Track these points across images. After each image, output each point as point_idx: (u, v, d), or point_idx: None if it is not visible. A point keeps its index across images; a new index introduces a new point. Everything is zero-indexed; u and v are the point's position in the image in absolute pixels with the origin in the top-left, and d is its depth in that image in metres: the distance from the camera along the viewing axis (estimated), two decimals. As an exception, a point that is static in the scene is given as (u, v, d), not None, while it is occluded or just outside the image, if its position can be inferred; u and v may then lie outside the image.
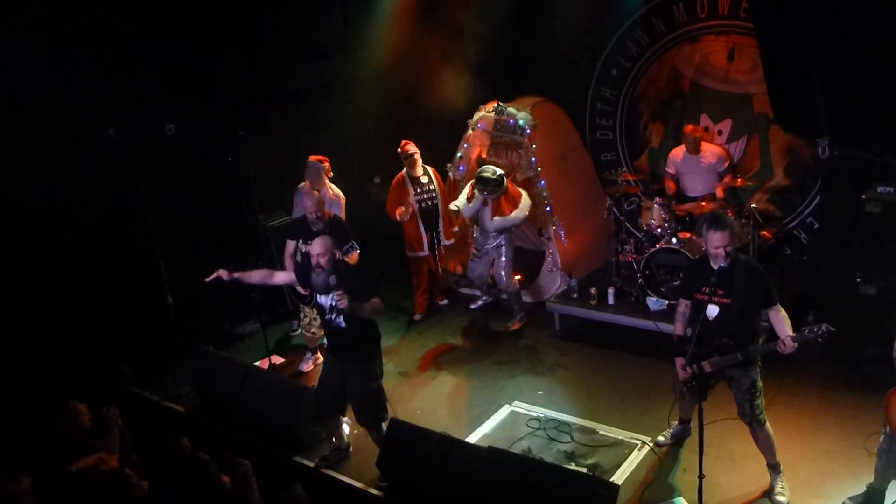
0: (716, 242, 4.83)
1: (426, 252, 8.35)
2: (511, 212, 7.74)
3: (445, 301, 9.06)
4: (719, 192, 7.83)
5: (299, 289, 6.37)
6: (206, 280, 5.73)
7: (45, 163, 6.88)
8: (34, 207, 6.91)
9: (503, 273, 7.94)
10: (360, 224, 9.37)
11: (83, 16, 6.99)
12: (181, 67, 7.74)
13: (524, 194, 7.90)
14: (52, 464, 4.92)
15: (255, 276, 5.86)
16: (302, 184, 7.60)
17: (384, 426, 5.76)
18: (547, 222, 8.49)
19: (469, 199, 7.84)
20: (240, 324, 8.60)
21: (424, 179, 8.22)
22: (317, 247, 5.34)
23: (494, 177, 7.58)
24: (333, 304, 5.32)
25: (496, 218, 7.75)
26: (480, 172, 7.70)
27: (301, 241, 6.78)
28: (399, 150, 8.11)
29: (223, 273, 5.67)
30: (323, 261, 5.31)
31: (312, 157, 7.50)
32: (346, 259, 6.07)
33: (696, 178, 8.11)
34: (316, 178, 7.38)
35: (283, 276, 5.83)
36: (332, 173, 7.62)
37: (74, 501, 4.65)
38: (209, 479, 4.55)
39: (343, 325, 5.43)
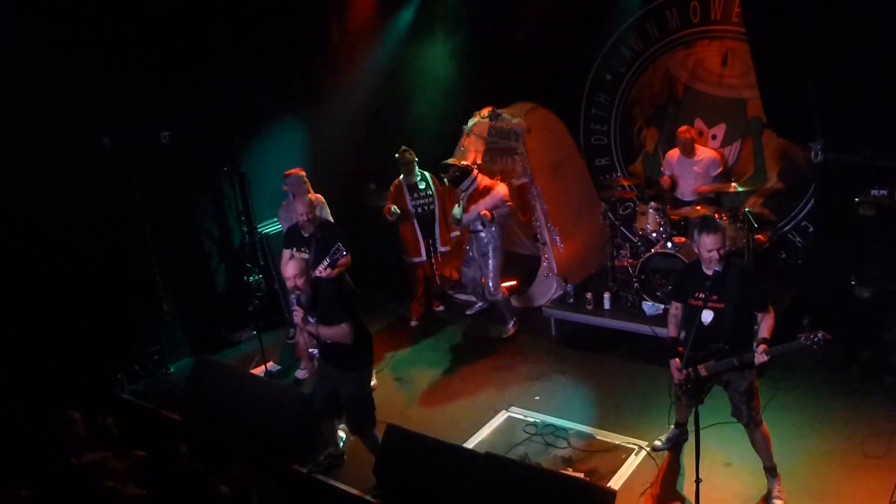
0: (709, 245, 4.84)
1: (423, 257, 8.35)
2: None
3: (442, 307, 9.06)
4: (704, 188, 7.82)
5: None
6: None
7: (40, 170, 6.87)
8: (30, 215, 6.90)
9: (491, 284, 7.97)
10: (356, 230, 9.40)
11: (78, 24, 6.99)
12: (176, 75, 7.74)
13: (500, 184, 7.90)
14: (47, 471, 4.91)
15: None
16: (285, 202, 7.61)
17: (375, 432, 5.77)
18: (542, 227, 8.50)
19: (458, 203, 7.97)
20: (235, 331, 8.58)
21: (422, 185, 8.24)
22: (290, 269, 5.36)
23: (451, 164, 7.76)
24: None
25: (471, 210, 7.78)
26: (442, 161, 7.88)
27: (294, 248, 6.79)
28: (397, 155, 8.12)
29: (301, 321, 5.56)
30: (300, 282, 5.33)
31: (290, 172, 7.49)
32: (337, 263, 6.07)
33: (690, 181, 8.11)
34: (300, 188, 7.39)
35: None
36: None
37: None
38: (208, 489, 4.55)
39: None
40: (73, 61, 6.94)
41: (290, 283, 5.35)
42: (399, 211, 8.02)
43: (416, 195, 8.20)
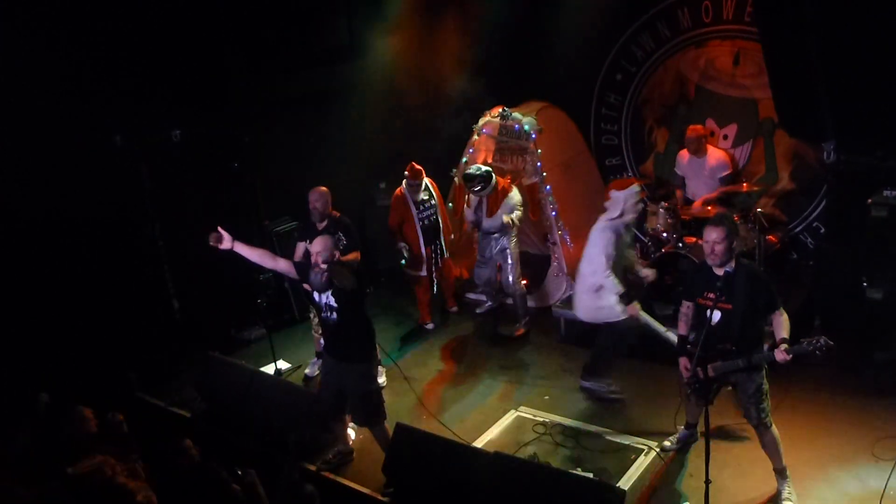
0: (711, 238, 4.87)
1: (424, 273, 8.24)
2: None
3: (455, 308, 9.01)
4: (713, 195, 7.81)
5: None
6: (211, 239, 5.52)
7: (51, 169, 6.90)
8: (40, 214, 6.93)
9: (510, 277, 7.96)
10: (366, 228, 9.42)
11: (89, 23, 7.02)
12: (187, 74, 7.76)
13: (514, 188, 7.93)
14: (57, 469, 4.93)
15: (256, 253, 5.65)
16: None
17: (386, 426, 5.78)
18: (552, 227, 8.49)
19: (468, 205, 8.00)
20: (245, 329, 8.61)
21: (425, 196, 8.13)
22: (316, 245, 5.38)
23: (479, 172, 7.71)
24: (328, 301, 5.42)
25: (494, 216, 7.80)
26: (466, 170, 7.82)
27: (308, 240, 6.83)
28: (406, 171, 8.01)
29: (227, 240, 5.52)
30: (321, 259, 5.32)
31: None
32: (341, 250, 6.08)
33: (700, 182, 8.08)
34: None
35: (283, 265, 5.74)
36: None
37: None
38: (220, 487, 4.56)
39: (336, 319, 5.47)
40: (84, 60, 6.96)
41: (312, 259, 5.36)
42: (408, 252, 8.01)
43: (421, 208, 8.10)
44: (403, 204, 8.09)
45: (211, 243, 5.54)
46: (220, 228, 5.53)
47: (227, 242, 5.52)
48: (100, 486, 4.71)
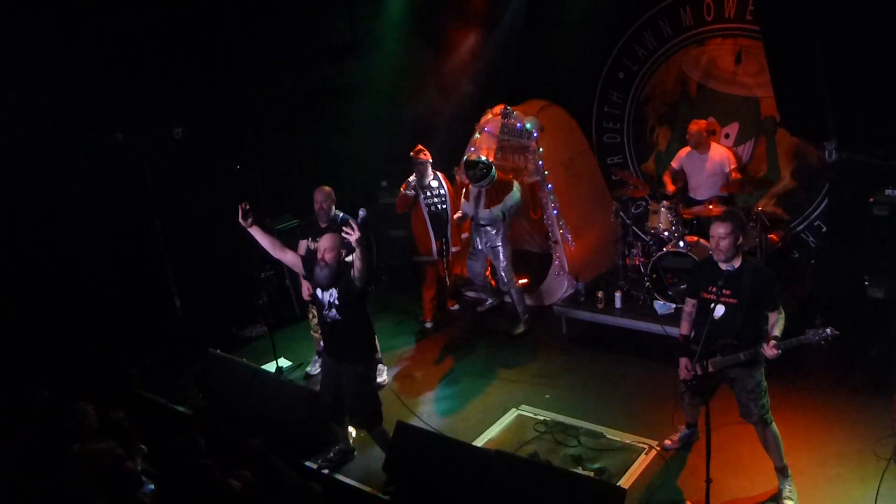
0: (716, 233, 4.89)
1: (435, 256, 8.26)
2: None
3: (457, 306, 9.02)
4: (724, 191, 7.79)
5: (305, 289, 6.60)
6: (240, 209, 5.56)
7: (53, 166, 6.92)
8: (43, 210, 6.95)
9: (503, 273, 7.95)
10: (367, 227, 9.41)
11: (91, 19, 7.03)
12: (189, 71, 7.77)
13: (516, 184, 7.90)
14: (59, 468, 4.95)
15: (268, 240, 5.73)
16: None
17: (385, 428, 5.78)
18: (554, 225, 8.49)
19: (467, 198, 7.96)
20: (247, 327, 8.62)
21: (434, 184, 8.16)
22: (325, 241, 5.39)
23: (480, 160, 7.70)
24: (331, 300, 5.42)
25: (492, 208, 7.77)
26: (466, 158, 7.81)
27: (310, 238, 6.83)
28: (412, 154, 8.06)
29: (250, 218, 5.58)
30: (329, 256, 5.33)
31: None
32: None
33: (701, 179, 8.04)
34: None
35: (291, 257, 5.78)
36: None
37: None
38: (220, 484, 4.58)
39: (337, 317, 5.47)
40: (86, 56, 6.97)
41: (319, 255, 5.37)
42: (414, 190, 7.96)
43: (428, 193, 8.11)
44: (411, 187, 8.05)
45: (240, 214, 5.60)
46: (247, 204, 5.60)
47: (249, 220, 5.60)
48: (108, 466, 4.73)
